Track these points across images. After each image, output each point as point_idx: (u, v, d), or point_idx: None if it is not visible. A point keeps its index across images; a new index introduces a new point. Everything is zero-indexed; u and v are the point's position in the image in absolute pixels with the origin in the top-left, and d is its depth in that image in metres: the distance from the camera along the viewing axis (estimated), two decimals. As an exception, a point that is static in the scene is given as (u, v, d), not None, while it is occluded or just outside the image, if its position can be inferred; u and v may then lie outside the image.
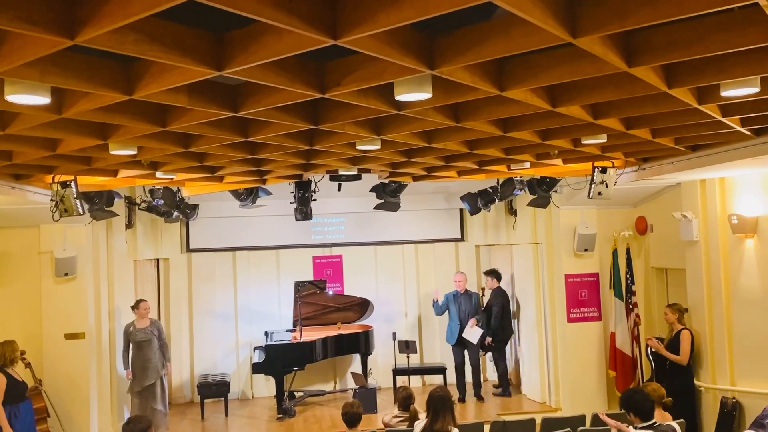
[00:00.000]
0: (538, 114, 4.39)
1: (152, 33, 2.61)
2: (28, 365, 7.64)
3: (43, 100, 3.25)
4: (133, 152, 4.98)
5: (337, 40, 2.55)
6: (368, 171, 7.51)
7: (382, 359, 10.48)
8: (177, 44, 2.73)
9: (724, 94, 3.82)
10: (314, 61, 3.36)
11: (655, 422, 4.57)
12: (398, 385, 9.13)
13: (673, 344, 7.73)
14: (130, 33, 2.53)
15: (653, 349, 8.01)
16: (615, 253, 8.87)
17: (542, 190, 8.38)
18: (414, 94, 3.50)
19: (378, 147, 5.24)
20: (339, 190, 8.33)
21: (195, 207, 9.07)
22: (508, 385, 10.03)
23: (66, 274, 7.89)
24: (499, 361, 10.04)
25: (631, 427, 4.52)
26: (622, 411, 4.78)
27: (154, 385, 8.49)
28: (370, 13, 2.45)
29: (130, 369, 8.46)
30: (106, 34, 2.41)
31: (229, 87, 3.77)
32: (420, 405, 5.90)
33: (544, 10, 2.48)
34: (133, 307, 8.64)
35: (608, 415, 5.08)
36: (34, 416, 7.12)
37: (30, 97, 3.19)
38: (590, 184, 6.95)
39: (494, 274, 9.98)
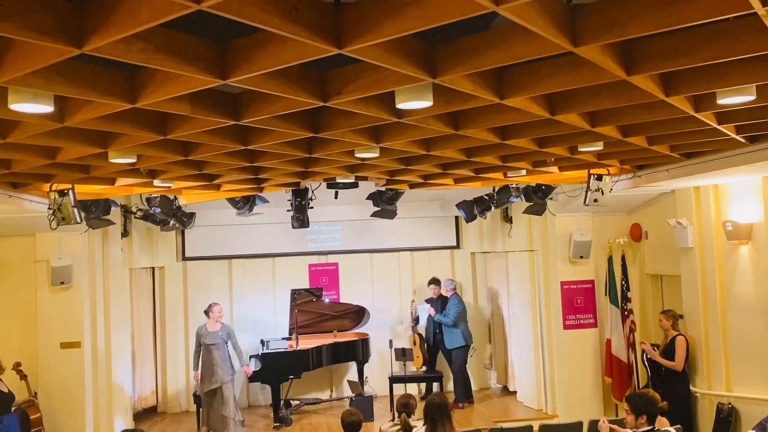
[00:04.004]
0: (536, 122, 4.44)
1: (158, 42, 2.64)
2: (24, 378, 7.59)
3: (47, 108, 3.26)
4: (133, 160, 4.99)
5: (342, 49, 2.58)
6: (365, 178, 7.53)
7: (379, 367, 10.47)
8: (182, 53, 2.75)
9: (720, 101, 3.87)
10: (315, 69, 3.39)
11: (654, 428, 4.59)
12: (394, 393, 9.13)
13: (668, 350, 7.77)
14: (136, 42, 2.55)
15: (648, 355, 8.07)
16: (610, 260, 8.91)
17: (538, 198, 8.42)
18: (415, 103, 3.53)
19: (377, 155, 5.27)
20: (336, 197, 8.35)
21: (192, 215, 9.07)
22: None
23: (62, 283, 7.87)
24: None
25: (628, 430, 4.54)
26: (622, 417, 4.80)
27: (220, 390, 8.60)
28: (375, 22, 2.48)
29: (199, 371, 8.64)
30: (112, 43, 2.43)
31: (231, 95, 3.79)
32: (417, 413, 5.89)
33: (546, 20, 2.52)
34: (206, 311, 8.80)
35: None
36: (19, 429, 7.06)
37: (34, 106, 3.19)
38: (586, 192, 6.98)
39: (438, 282, 10.37)
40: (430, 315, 10.04)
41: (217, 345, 8.59)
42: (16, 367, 7.54)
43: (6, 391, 6.86)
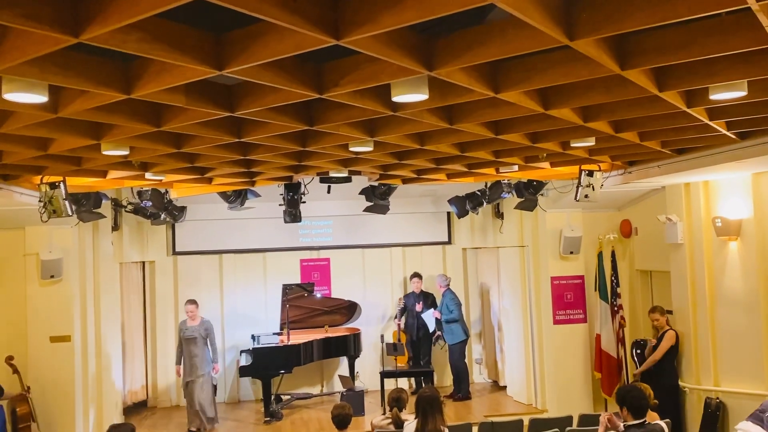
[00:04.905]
0: (529, 116, 4.46)
1: (155, 32, 2.63)
2: (15, 371, 7.55)
3: (41, 98, 3.24)
4: (125, 153, 4.96)
5: (340, 40, 2.58)
6: (359, 173, 7.53)
7: (370, 362, 10.49)
8: (179, 43, 2.74)
9: (712, 97, 3.91)
10: (310, 62, 3.39)
11: (645, 421, 4.64)
12: (385, 387, 9.14)
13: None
14: (133, 32, 2.54)
15: (638, 351, 8.18)
16: (600, 255, 8.96)
17: (529, 194, 8.46)
18: (411, 96, 3.53)
19: (371, 148, 5.27)
20: (329, 192, 8.35)
21: (183, 209, 9.04)
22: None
23: (52, 277, 7.82)
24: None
25: (621, 424, 4.58)
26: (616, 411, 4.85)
27: (199, 383, 8.72)
28: (373, 13, 2.48)
29: (181, 365, 8.88)
30: (109, 32, 2.42)
31: (226, 87, 3.78)
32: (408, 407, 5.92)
33: (543, 13, 2.53)
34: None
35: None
36: (5, 421, 7.02)
37: (28, 96, 3.17)
38: (577, 187, 7.03)
39: (421, 276, 10.43)
40: (436, 318, 9.99)
41: (195, 339, 8.75)
42: (9, 360, 7.50)
43: None
